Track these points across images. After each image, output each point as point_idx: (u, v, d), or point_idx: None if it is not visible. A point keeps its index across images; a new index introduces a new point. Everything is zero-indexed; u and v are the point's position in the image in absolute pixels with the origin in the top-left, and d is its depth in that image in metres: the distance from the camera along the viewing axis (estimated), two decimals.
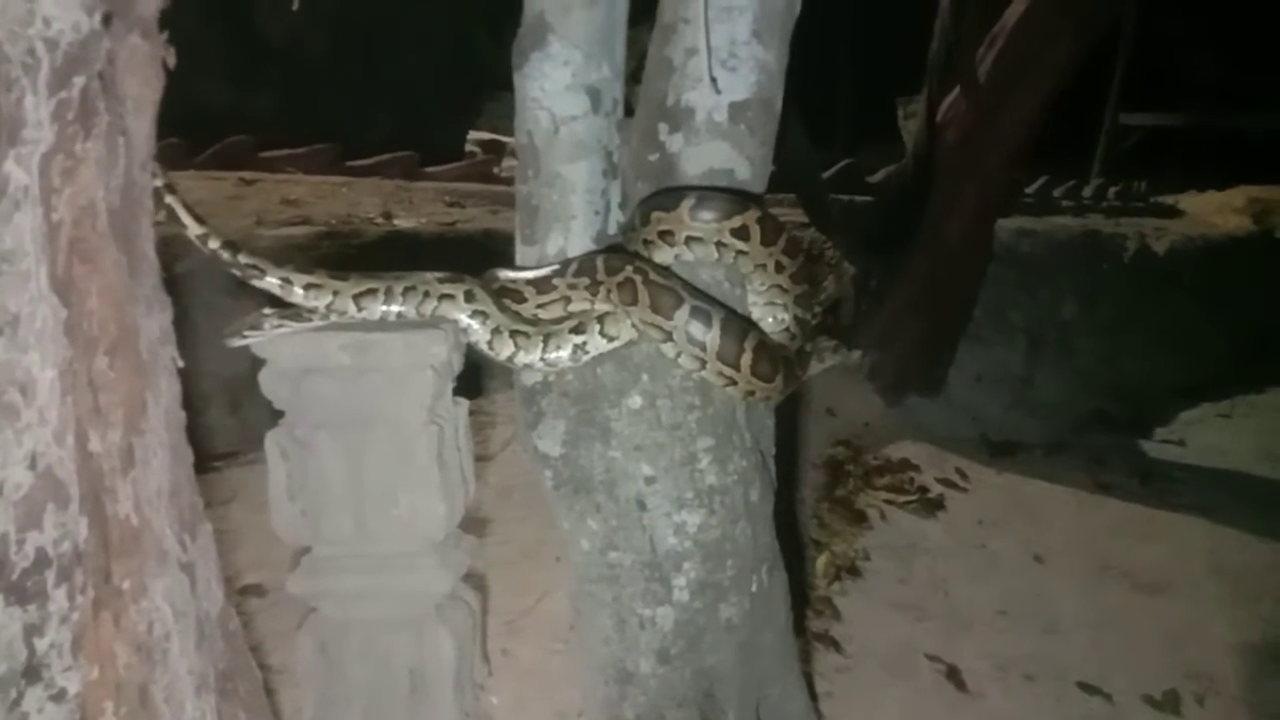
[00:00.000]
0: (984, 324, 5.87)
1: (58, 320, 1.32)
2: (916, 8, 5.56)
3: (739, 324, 1.98)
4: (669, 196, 2.01)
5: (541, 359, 2.02)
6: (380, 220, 5.11)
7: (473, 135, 8.63)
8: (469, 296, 2.01)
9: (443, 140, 7.74)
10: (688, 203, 1.97)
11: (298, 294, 1.94)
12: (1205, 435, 5.94)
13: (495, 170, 6.91)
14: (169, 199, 1.82)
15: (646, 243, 2.02)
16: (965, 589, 3.76)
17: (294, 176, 6.02)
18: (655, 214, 2.00)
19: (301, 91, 7.91)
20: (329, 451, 1.99)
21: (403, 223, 5.15)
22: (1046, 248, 6.70)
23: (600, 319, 2.00)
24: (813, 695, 2.72)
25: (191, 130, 5.63)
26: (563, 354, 2.02)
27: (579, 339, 2.01)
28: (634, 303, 1.94)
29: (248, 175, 5.83)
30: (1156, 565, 4.05)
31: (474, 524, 3.16)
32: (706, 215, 1.98)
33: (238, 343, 1.91)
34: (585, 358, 2.03)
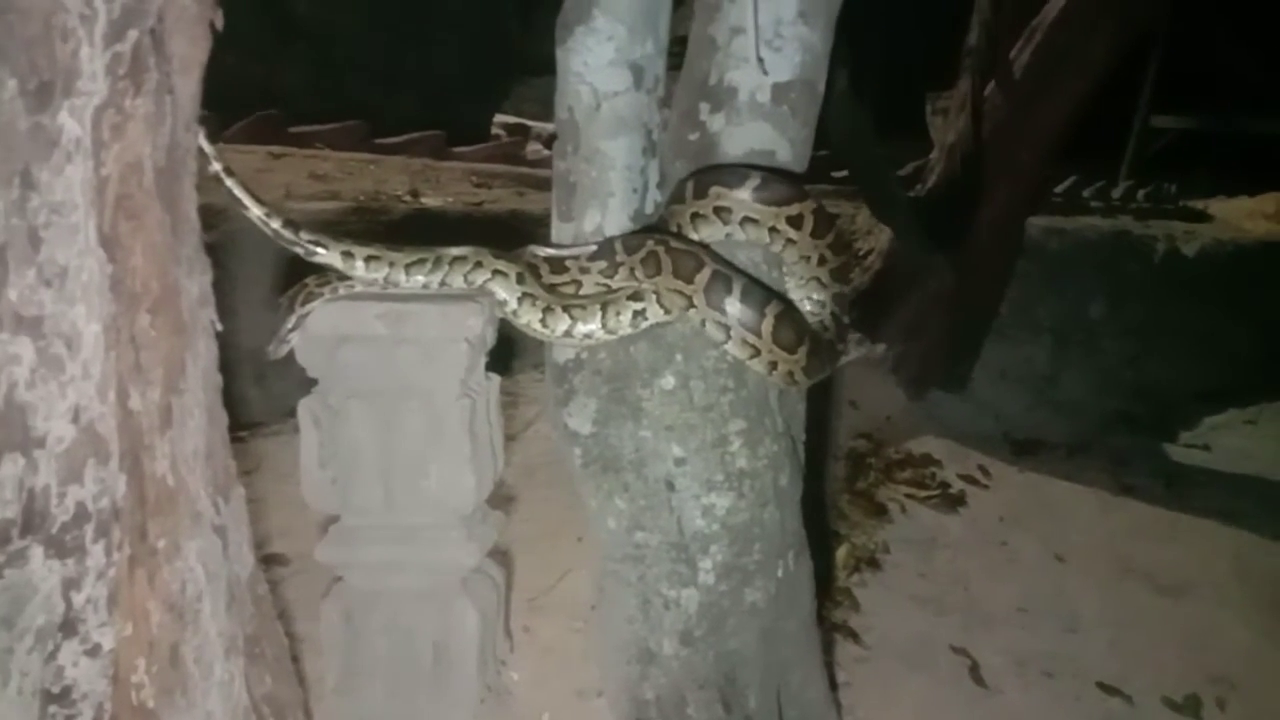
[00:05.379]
0: (1010, 321, 5.82)
1: (104, 275, 1.32)
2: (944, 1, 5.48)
3: (761, 290, 1.94)
4: (730, 173, 1.98)
5: (602, 327, 2.00)
6: (408, 198, 5.11)
7: (499, 119, 8.62)
8: (520, 279, 2.01)
9: (469, 121, 7.70)
10: (751, 182, 1.95)
11: (359, 267, 1.99)
12: (1230, 440, 5.86)
13: (522, 153, 6.90)
14: (229, 181, 1.87)
15: (696, 216, 1.99)
16: (985, 585, 3.73)
17: (322, 152, 6.02)
18: (716, 188, 1.97)
19: (331, 68, 7.92)
20: (361, 421, 1.99)
21: (430, 201, 5.15)
22: (1076, 246, 6.61)
23: (656, 290, 1.97)
24: (831, 684, 2.71)
25: (221, 103, 5.62)
26: (623, 319, 1.99)
27: (638, 305, 1.98)
28: (658, 272, 1.93)
29: (276, 149, 5.83)
30: (1178, 568, 4.01)
31: (500, 500, 3.17)
32: (767, 198, 1.96)
33: (284, 350, 1.94)
34: (645, 324, 2.00)
